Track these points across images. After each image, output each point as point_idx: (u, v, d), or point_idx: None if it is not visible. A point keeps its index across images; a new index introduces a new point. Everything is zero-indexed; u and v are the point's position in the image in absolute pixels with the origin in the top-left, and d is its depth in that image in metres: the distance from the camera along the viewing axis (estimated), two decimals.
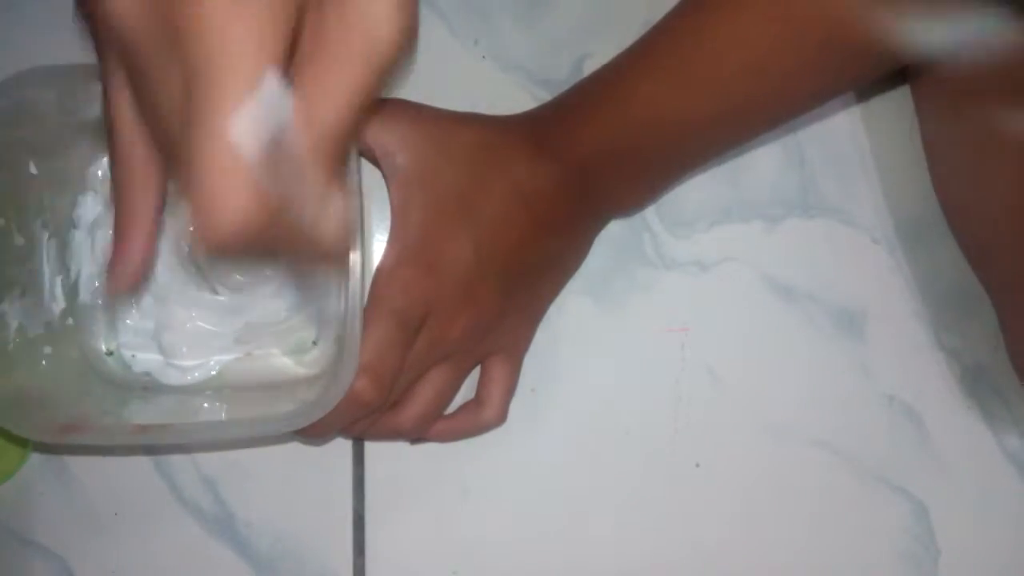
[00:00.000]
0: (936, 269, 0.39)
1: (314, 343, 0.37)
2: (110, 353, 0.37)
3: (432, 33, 0.39)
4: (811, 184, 0.39)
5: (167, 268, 0.36)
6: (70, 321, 0.36)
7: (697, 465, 0.39)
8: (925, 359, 0.40)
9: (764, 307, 0.39)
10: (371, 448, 0.38)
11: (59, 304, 0.36)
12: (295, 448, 0.38)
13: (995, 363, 0.39)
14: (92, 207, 0.37)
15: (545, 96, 0.39)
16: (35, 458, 0.38)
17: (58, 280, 0.36)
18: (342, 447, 0.38)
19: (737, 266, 0.39)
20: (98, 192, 0.37)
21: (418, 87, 0.39)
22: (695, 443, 0.39)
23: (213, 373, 0.37)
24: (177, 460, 0.38)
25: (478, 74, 0.39)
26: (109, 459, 0.38)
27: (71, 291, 0.36)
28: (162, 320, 0.36)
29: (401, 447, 0.38)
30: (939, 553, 0.40)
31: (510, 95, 0.39)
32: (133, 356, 0.37)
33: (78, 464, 0.38)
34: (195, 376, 0.37)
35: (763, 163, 0.39)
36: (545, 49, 0.39)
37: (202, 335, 0.36)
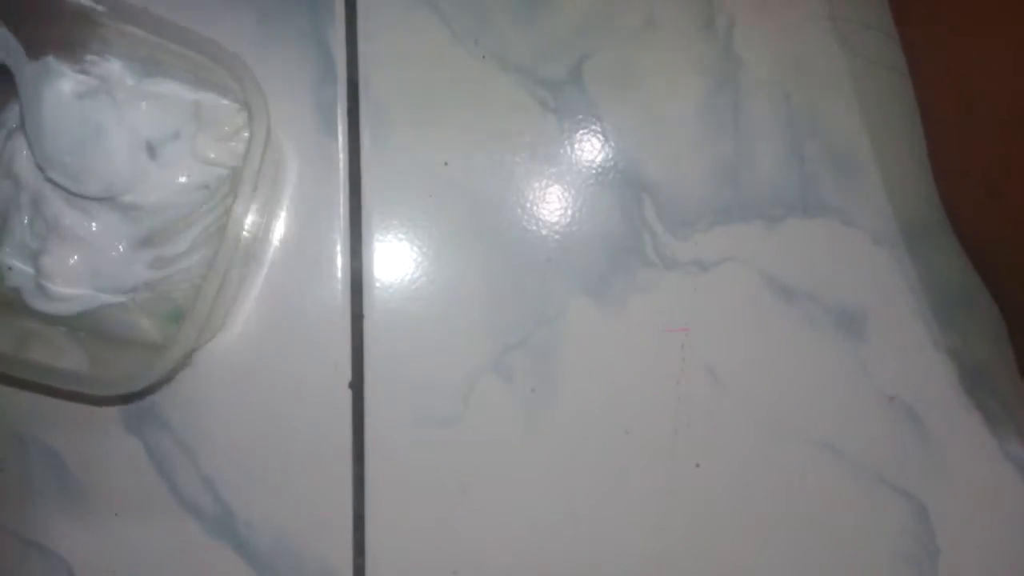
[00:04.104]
0: (936, 269, 0.39)
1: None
2: None
3: (432, 33, 0.39)
4: (811, 184, 0.39)
5: (65, 198, 0.36)
6: None
7: (697, 465, 0.39)
8: (925, 359, 0.40)
9: (764, 307, 0.39)
10: (371, 448, 0.39)
11: None
12: (295, 448, 0.38)
13: (995, 363, 0.39)
14: (18, 113, 0.36)
15: (545, 96, 0.39)
16: (34, 457, 0.38)
17: None
18: (342, 447, 0.38)
19: (737, 266, 0.39)
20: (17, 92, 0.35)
21: (418, 87, 0.39)
22: (695, 443, 0.39)
23: (78, 311, 0.36)
24: (177, 460, 0.38)
25: (478, 74, 0.39)
26: (109, 459, 0.38)
27: None
28: (48, 245, 0.36)
29: (401, 447, 0.39)
30: (939, 553, 0.40)
31: (510, 95, 0.39)
32: (9, 269, 0.37)
33: (78, 464, 0.38)
34: (59, 307, 0.36)
35: (763, 163, 0.39)
36: (545, 49, 0.39)
37: (82, 272, 0.36)
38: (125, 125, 0.35)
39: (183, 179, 0.36)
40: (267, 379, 0.38)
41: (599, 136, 0.39)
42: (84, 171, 0.35)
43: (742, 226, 0.39)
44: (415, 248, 0.39)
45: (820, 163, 0.39)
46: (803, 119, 0.39)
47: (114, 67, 0.36)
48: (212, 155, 0.36)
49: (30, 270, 0.37)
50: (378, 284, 0.39)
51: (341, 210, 0.39)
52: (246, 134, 0.36)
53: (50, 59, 0.35)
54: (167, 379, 0.38)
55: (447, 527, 0.39)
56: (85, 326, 0.37)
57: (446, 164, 0.39)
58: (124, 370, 0.33)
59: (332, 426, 0.38)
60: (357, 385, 0.38)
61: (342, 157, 0.39)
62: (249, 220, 0.33)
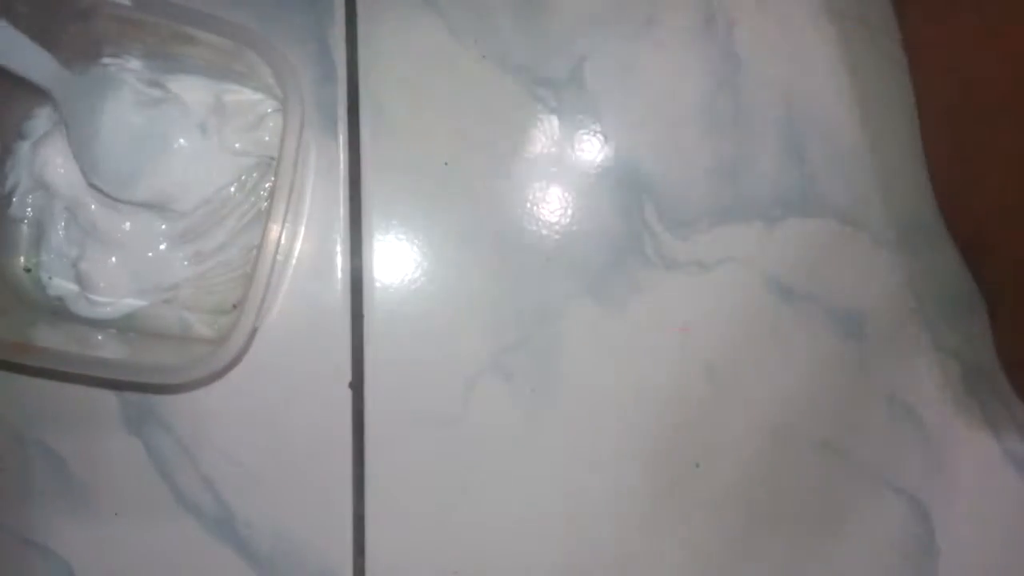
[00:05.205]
0: (936, 269, 0.39)
1: (234, 307, 0.37)
2: (28, 270, 0.37)
3: (432, 33, 0.39)
4: (811, 184, 0.39)
5: (102, 203, 0.36)
6: None
7: (697, 465, 0.39)
8: (925, 359, 0.40)
9: (764, 307, 0.39)
10: (371, 448, 0.39)
11: None
12: (295, 448, 0.38)
13: (995, 363, 0.39)
14: (44, 122, 0.36)
15: (546, 96, 0.39)
16: (34, 457, 0.38)
17: None
18: (342, 447, 0.38)
19: (737, 266, 0.39)
20: (55, 108, 0.36)
21: (418, 87, 0.39)
22: (695, 443, 0.39)
23: (123, 314, 0.36)
24: (177, 460, 0.38)
25: (478, 74, 0.39)
26: (110, 459, 0.38)
27: (3, 201, 0.36)
28: (85, 251, 0.36)
29: (401, 447, 0.39)
30: (939, 553, 0.40)
31: (510, 95, 0.39)
32: (50, 279, 0.37)
33: (79, 464, 0.38)
34: (104, 312, 0.36)
35: (763, 163, 0.39)
36: (545, 49, 0.39)
37: (122, 275, 0.36)
38: (189, 133, 0.35)
39: (212, 172, 0.36)
40: (267, 379, 0.38)
41: (599, 136, 0.39)
42: (138, 178, 0.35)
43: (742, 226, 0.39)
44: (415, 248, 0.39)
45: (820, 163, 0.39)
46: (803, 119, 0.39)
47: (134, 65, 0.36)
48: (238, 145, 0.36)
49: (71, 285, 0.36)
50: (378, 284, 0.39)
51: (341, 210, 0.39)
52: (271, 123, 0.36)
53: (111, 68, 0.35)
54: (229, 367, 0.37)
55: (447, 527, 0.39)
56: (133, 327, 0.37)
57: (446, 164, 0.39)
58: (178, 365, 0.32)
59: (332, 426, 0.38)
60: (357, 385, 0.38)
61: (342, 157, 0.39)
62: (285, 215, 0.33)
